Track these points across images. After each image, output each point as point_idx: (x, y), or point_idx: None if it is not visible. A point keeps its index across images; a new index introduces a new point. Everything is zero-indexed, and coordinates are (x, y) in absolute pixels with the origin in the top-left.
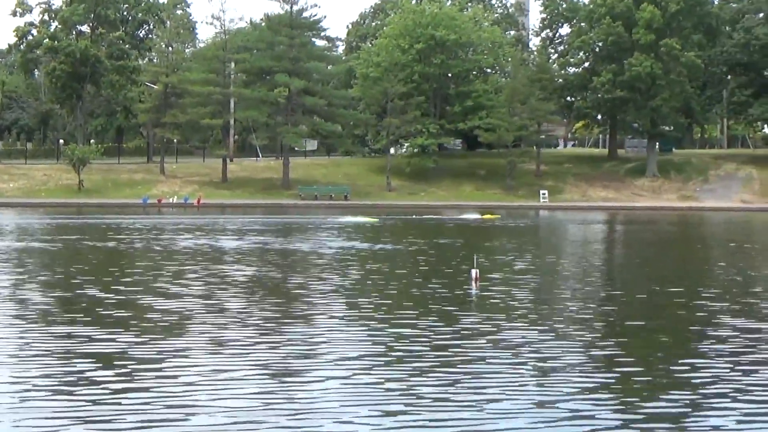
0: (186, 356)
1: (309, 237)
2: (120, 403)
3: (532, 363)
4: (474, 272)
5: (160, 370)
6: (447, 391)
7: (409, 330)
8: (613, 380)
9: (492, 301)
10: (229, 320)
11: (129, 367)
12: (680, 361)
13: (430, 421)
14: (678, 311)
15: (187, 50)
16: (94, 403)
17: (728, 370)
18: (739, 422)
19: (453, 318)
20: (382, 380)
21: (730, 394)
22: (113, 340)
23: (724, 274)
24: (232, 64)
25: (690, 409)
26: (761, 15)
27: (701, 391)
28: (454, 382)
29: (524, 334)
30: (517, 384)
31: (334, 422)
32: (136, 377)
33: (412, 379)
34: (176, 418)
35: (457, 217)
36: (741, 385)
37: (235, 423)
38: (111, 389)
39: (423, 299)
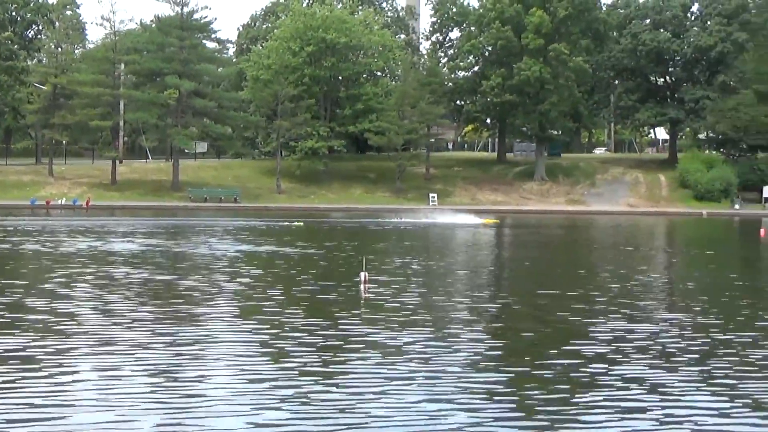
0: (73, 356)
1: (217, 239)
2: (6, 403)
3: (415, 364)
4: (363, 275)
5: (47, 369)
6: (329, 392)
7: (296, 332)
8: (498, 381)
9: (379, 302)
10: (117, 321)
11: (16, 367)
12: (564, 362)
13: (313, 421)
14: (563, 313)
15: (76, 51)
16: None
17: (606, 370)
18: (621, 419)
19: (338, 320)
20: (265, 381)
21: (610, 392)
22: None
23: (609, 277)
24: (122, 66)
25: (572, 407)
26: (648, 21)
27: (583, 389)
28: (338, 383)
29: (409, 336)
30: (401, 385)
31: (217, 421)
32: (23, 377)
33: (296, 380)
34: (62, 416)
35: (452, 222)
36: (619, 383)
37: (119, 421)
38: None
39: (312, 302)
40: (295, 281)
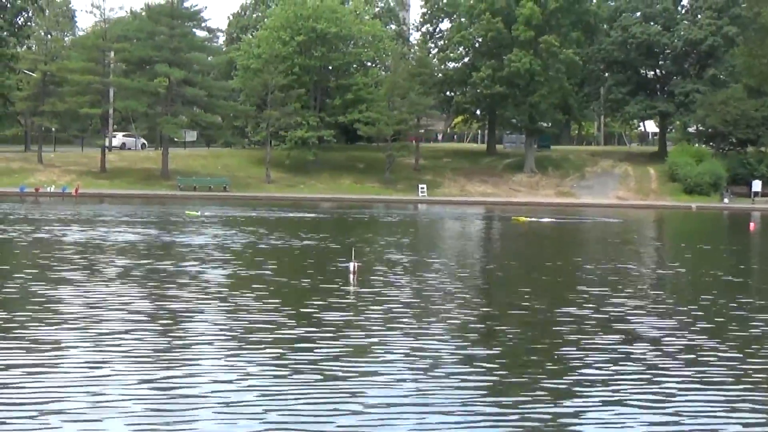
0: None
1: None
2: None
3: (403, 363)
4: (352, 265)
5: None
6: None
7: (276, 321)
8: (487, 382)
9: (368, 294)
10: (103, 311)
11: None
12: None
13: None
14: (551, 312)
15: (66, 38)
16: None
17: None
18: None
19: (327, 311)
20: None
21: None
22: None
23: (598, 272)
24: (112, 54)
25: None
26: (638, 14)
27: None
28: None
29: (400, 331)
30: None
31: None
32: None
33: (273, 376)
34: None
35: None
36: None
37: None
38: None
39: (300, 292)
40: (287, 271)
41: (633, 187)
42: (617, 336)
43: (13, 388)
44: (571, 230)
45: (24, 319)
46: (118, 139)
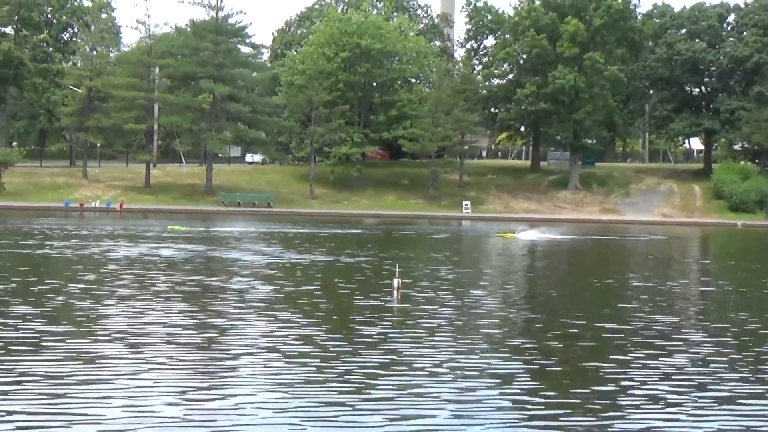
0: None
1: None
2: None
3: (444, 379)
4: (396, 281)
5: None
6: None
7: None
8: (527, 398)
9: (411, 310)
10: (148, 327)
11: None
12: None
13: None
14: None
15: (111, 54)
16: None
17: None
18: None
19: (369, 327)
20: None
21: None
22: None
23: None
24: (157, 69)
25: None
26: (683, 31)
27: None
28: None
29: (442, 347)
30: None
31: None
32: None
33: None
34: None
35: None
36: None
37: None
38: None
39: (344, 309)
40: (333, 288)
41: (678, 204)
42: (662, 353)
43: (58, 399)
44: (590, 247)
45: (69, 332)
46: (259, 155)
